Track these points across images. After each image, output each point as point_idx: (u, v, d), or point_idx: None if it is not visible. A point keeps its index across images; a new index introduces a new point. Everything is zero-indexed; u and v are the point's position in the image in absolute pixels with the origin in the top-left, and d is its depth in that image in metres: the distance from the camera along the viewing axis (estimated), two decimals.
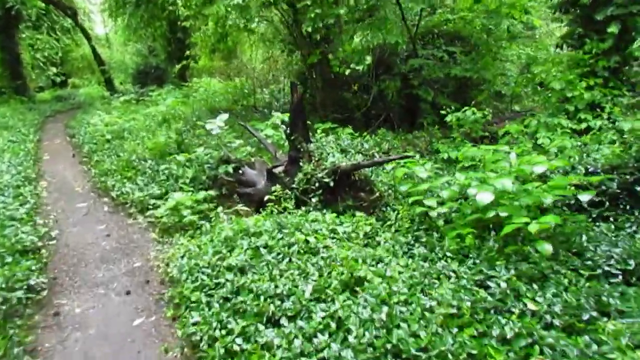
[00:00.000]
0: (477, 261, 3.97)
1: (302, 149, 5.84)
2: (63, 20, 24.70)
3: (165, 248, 5.20)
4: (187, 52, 13.06)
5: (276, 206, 5.21)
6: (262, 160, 6.62)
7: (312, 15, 7.18)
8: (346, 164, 5.38)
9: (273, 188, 5.42)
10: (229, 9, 10.32)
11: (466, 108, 7.59)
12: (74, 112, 17.91)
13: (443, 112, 7.74)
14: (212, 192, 6.35)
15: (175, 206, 5.78)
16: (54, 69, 25.69)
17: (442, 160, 7.02)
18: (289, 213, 5.18)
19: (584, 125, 6.79)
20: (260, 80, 17.35)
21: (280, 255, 4.17)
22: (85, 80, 29.30)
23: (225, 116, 6.67)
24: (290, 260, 4.15)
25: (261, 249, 4.28)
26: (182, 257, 4.65)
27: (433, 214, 4.55)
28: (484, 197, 3.88)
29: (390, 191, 5.66)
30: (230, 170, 6.52)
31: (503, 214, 4.09)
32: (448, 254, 4.09)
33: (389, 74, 10.42)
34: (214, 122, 6.52)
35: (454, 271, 3.86)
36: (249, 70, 17.01)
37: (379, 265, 4.10)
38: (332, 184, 5.37)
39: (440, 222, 4.59)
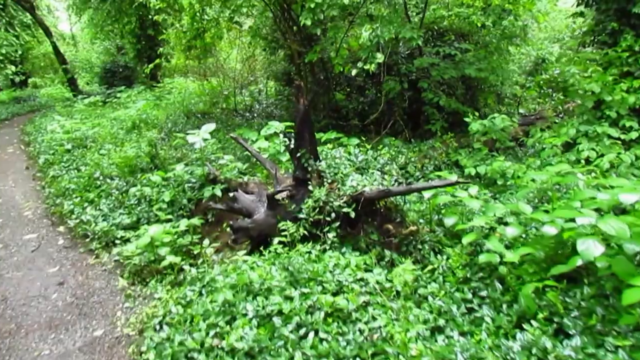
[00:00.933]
0: (574, 332, 2.89)
1: (310, 168, 4.67)
2: (23, 15, 22.77)
3: (137, 305, 3.94)
4: (160, 50, 11.69)
5: (286, 249, 4.01)
6: (259, 181, 5.41)
7: (312, 5, 6.01)
8: (371, 189, 4.23)
9: (282, 225, 4.23)
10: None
11: (495, 115, 6.55)
12: (33, 115, 16.23)
13: (467, 119, 6.67)
14: (195, 221, 5.11)
15: (150, 243, 4.52)
16: (13, 68, 23.69)
17: (468, 176, 5.95)
18: (300, 254, 4.00)
19: (634, 135, 5.83)
20: (238, 81, 16.11)
21: (303, 329, 3.00)
22: (48, 80, 27.28)
23: (211, 126, 5.43)
24: (316, 333, 2.99)
25: (274, 318, 3.09)
26: (161, 324, 3.42)
27: (494, 258, 3.43)
28: (592, 248, 2.78)
29: (421, 220, 4.54)
30: (219, 192, 5.29)
31: (601, 265, 3.02)
32: (533, 322, 2.99)
33: (389, 75, 9.33)
34: (197, 134, 5.28)
35: (546, 350, 2.77)
36: (226, 70, 15.69)
37: (439, 340, 2.98)
38: (353, 214, 4.22)
39: (503, 269, 3.48)
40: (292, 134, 5.06)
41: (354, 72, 6.40)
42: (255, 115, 12.67)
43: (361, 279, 3.64)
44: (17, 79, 24.15)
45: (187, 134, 5.37)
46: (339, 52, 6.85)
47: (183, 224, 5.04)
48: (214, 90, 14.38)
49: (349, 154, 5.28)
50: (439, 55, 9.01)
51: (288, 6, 8.24)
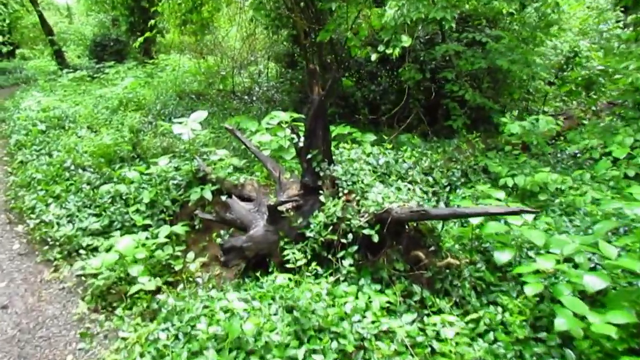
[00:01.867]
0: None
1: (322, 173, 3.78)
2: None
3: (95, 346, 3.06)
4: (152, 22, 10.61)
5: (296, 274, 3.14)
6: (257, 184, 4.50)
7: None
8: (400, 207, 3.33)
9: (287, 252, 3.36)
10: None
11: (538, 116, 5.64)
12: (16, 88, 15.11)
13: (504, 119, 5.77)
14: (178, 228, 4.22)
15: (119, 259, 3.63)
16: (0, 38, 22.40)
17: (503, 187, 5.07)
18: (308, 289, 3.13)
19: None
20: (237, 60, 15.09)
21: None
22: (37, 52, 25.96)
23: (201, 115, 4.50)
24: None
25: None
26: None
27: (576, 323, 2.53)
28: None
29: (456, 246, 3.66)
30: (209, 195, 4.38)
31: None
32: None
33: (403, 62, 8.38)
34: (184, 123, 4.35)
35: None
36: (225, 49, 14.62)
37: None
38: (376, 238, 3.34)
39: (575, 330, 2.60)
40: (300, 129, 4.16)
41: (373, 56, 5.46)
42: (255, 99, 11.70)
43: (387, 331, 2.78)
44: (4, 50, 22.82)
45: (173, 122, 4.44)
46: (357, 33, 5.89)
47: (164, 231, 4.16)
48: (210, 70, 13.35)
49: (367, 154, 4.38)
50: (461, 42, 8.08)
51: None
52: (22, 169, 6.09)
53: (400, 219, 3.33)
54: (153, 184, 4.78)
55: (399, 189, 3.67)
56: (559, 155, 6.41)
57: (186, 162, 4.86)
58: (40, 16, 16.93)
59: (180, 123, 4.38)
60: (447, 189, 5.19)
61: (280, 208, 3.69)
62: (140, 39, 10.10)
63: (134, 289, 3.39)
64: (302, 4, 8.46)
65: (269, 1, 10.07)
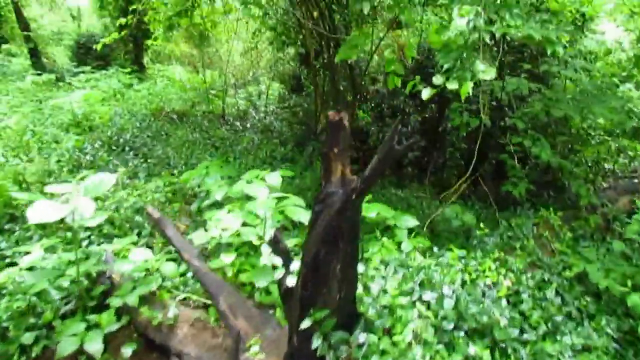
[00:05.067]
0: None
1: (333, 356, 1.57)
2: None
3: None
4: (128, 19, 8.41)
5: None
6: (202, 324, 2.26)
7: None
8: None
9: None
10: None
11: None
12: None
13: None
14: None
15: None
16: None
17: None
18: None
19: None
20: (236, 77, 13.11)
21: None
22: (25, 49, 24.02)
23: (104, 182, 2.22)
24: None
25: None
26: None
27: None
28: None
29: None
30: (95, 348, 2.15)
31: None
32: None
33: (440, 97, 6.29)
34: (65, 198, 2.12)
35: None
36: (224, 63, 12.59)
37: None
38: None
39: None
40: (279, 243, 1.98)
41: (425, 93, 3.20)
42: (249, 126, 9.55)
43: None
44: None
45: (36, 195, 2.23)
46: (402, 52, 3.69)
47: None
48: (202, 85, 11.24)
49: (407, 267, 2.14)
50: (515, 74, 6.00)
51: None
52: None
53: None
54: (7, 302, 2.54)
55: None
56: None
57: (72, 261, 2.61)
58: (17, 10, 14.99)
59: (61, 194, 2.16)
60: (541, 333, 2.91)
61: None
62: (113, 35, 7.87)
63: None
64: (315, 13, 6.36)
65: (275, 8, 8.02)
